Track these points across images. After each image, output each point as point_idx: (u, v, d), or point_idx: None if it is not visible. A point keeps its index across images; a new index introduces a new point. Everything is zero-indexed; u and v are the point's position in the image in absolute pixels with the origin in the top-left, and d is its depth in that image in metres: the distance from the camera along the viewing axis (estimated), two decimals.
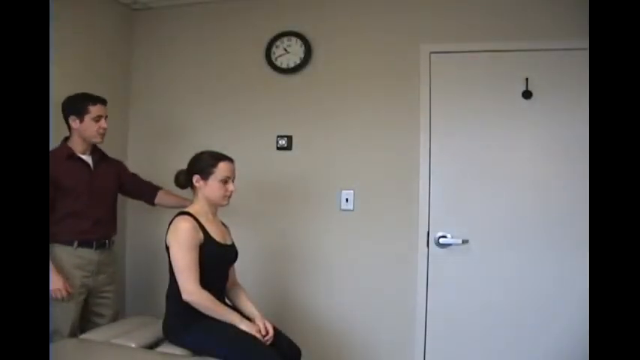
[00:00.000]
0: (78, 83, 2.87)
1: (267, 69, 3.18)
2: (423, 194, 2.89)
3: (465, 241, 2.82)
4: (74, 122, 2.55)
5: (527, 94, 2.76)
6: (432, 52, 2.92)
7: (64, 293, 2.42)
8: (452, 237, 2.84)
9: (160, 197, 2.85)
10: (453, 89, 2.89)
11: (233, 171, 2.38)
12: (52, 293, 2.41)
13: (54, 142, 2.56)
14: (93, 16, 3.16)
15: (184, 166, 2.41)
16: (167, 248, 2.27)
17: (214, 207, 2.41)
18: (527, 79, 2.77)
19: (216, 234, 2.34)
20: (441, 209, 2.88)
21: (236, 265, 2.47)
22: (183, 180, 2.42)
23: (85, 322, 2.64)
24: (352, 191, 3.02)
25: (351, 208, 3.01)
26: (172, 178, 2.47)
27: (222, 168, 2.34)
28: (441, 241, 2.85)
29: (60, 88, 2.62)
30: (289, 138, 3.14)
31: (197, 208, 2.35)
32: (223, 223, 2.54)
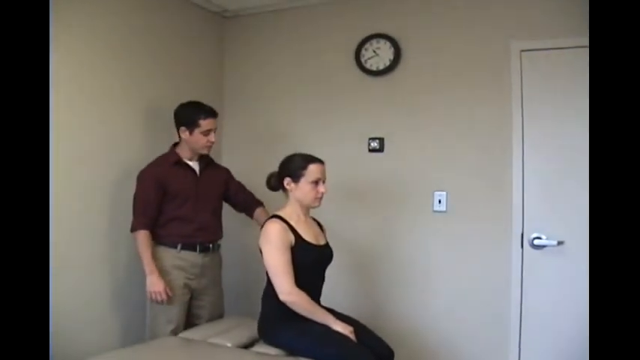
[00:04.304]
0: (174, 89, 3.10)
1: (357, 71, 3.24)
2: (516, 194, 2.87)
3: (560, 243, 2.76)
4: (184, 133, 2.66)
5: None
6: (522, 50, 2.87)
7: (164, 296, 2.51)
8: (547, 238, 2.80)
9: (257, 214, 2.88)
10: (546, 88, 2.84)
11: (323, 172, 2.41)
12: (151, 295, 2.53)
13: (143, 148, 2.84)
14: (186, 25, 3.36)
15: (277, 169, 2.48)
16: (261, 252, 2.34)
17: (306, 209, 2.46)
18: None
19: (307, 235, 2.38)
20: (536, 209, 2.85)
21: (329, 265, 2.51)
22: (275, 183, 2.48)
23: (187, 324, 2.72)
24: (445, 192, 3.02)
25: (444, 209, 3.02)
26: (264, 181, 2.56)
27: (312, 170, 2.37)
28: (536, 242, 2.82)
29: (157, 94, 2.94)
30: (381, 140, 3.19)
31: (288, 210, 2.41)
32: (319, 224, 2.62)
